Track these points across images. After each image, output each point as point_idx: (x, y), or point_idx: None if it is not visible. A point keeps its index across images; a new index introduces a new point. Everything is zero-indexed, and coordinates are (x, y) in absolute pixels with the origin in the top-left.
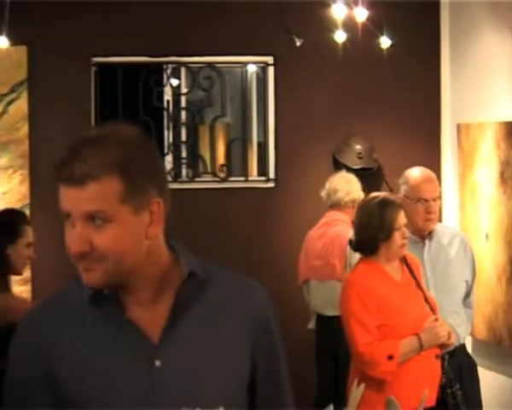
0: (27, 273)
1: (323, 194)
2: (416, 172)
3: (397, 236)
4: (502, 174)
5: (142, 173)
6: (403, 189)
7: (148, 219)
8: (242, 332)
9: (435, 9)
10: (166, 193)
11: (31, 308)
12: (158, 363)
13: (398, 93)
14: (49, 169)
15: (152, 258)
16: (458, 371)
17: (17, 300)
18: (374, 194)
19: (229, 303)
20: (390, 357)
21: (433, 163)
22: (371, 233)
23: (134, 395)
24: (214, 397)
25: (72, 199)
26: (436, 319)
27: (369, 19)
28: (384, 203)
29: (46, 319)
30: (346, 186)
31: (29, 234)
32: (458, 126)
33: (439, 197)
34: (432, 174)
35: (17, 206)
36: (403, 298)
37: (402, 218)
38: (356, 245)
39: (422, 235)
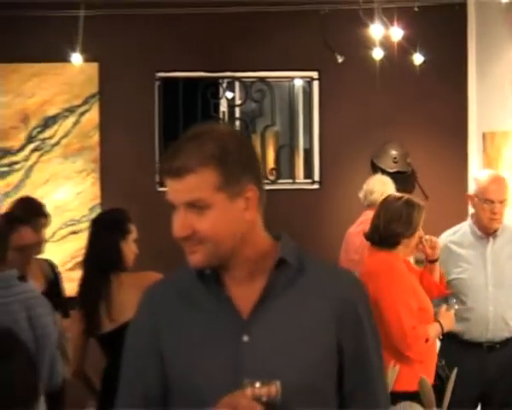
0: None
1: (361, 195)
2: (484, 175)
3: (417, 235)
4: None
5: (237, 164)
6: (472, 188)
7: (243, 204)
8: (329, 315)
9: (462, 27)
10: (261, 181)
11: (147, 288)
12: (246, 338)
13: (429, 105)
14: (116, 172)
15: (248, 241)
16: (506, 363)
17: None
18: (396, 194)
19: (318, 288)
20: (427, 340)
21: (461, 168)
22: (398, 229)
23: (222, 366)
24: (296, 375)
25: (173, 190)
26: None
27: (403, 38)
28: (411, 204)
29: (159, 296)
30: (382, 188)
31: (134, 230)
32: (484, 135)
33: (506, 200)
34: (500, 177)
35: (89, 205)
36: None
37: (422, 220)
38: (379, 238)
39: (487, 232)
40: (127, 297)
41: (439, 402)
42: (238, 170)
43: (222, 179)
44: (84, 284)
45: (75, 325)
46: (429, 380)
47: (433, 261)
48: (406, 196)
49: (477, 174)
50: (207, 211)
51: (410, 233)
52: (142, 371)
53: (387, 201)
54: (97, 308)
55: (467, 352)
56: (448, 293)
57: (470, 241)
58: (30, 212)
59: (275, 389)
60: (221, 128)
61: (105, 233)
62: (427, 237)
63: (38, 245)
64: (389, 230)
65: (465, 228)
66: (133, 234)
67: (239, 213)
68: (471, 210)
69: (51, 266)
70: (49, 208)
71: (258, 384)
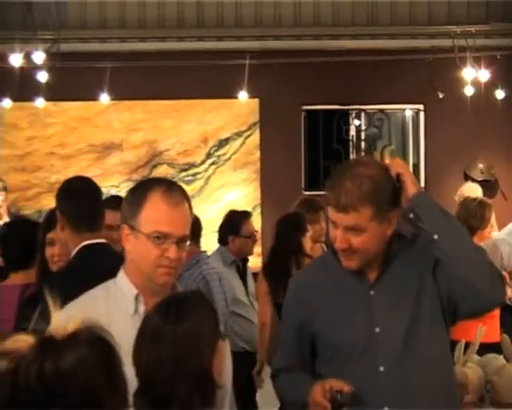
0: (258, 249)
1: (456, 197)
2: None
3: (489, 228)
4: None
5: (387, 198)
6: None
7: (387, 226)
8: (427, 270)
9: None
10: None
11: (298, 272)
12: (372, 292)
13: (508, 129)
14: (272, 181)
15: (381, 247)
16: None
17: None
18: (472, 196)
19: (418, 253)
20: None
21: None
22: (474, 224)
23: (359, 320)
24: (409, 312)
25: (338, 218)
26: None
27: (489, 78)
28: (484, 204)
29: (307, 276)
30: (472, 192)
31: (310, 229)
32: None
33: None
34: None
35: (252, 205)
36: None
37: (492, 215)
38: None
39: None
40: None
41: None
42: (387, 203)
43: (375, 213)
44: (273, 264)
45: (262, 289)
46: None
47: None
48: (480, 197)
49: None
50: (362, 233)
51: (484, 226)
52: (302, 339)
53: (465, 202)
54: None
55: None
56: None
57: None
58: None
59: (348, 389)
60: (373, 166)
61: (290, 231)
62: None
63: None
64: (467, 223)
65: None
66: (310, 231)
67: (384, 232)
68: None
69: None
70: (222, 207)
71: (333, 387)
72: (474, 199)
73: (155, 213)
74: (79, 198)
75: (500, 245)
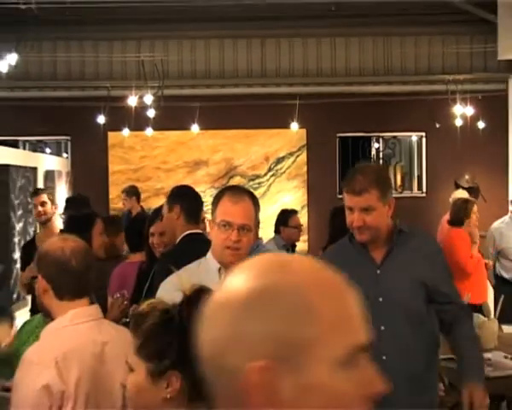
0: (305, 237)
1: (450, 200)
2: None
3: (474, 217)
4: None
5: (386, 187)
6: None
7: (388, 209)
8: (427, 261)
9: (506, 107)
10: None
11: (328, 249)
12: (378, 271)
13: (487, 151)
14: (316, 187)
15: (385, 226)
16: None
17: None
18: (460, 197)
19: (421, 246)
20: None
21: (503, 187)
22: (461, 215)
23: (368, 290)
24: (407, 289)
25: (353, 202)
26: None
27: (473, 113)
28: (468, 201)
29: (332, 254)
30: (461, 196)
31: None
32: None
33: None
34: None
35: (301, 205)
36: None
37: (475, 209)
38: (456, 221)
39: None
40: None
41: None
42: (386, 190)
43: (380, 195)
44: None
45: None
46: (485, 293)
47: None
48: (465, 197)
49: None
50: (373, 211)
51: (468, 216)
52: None
53: (455, 202)
54: None
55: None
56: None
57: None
58: None
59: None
60: (376, 166)
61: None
62: None
63: None
64: (457, 216)
65: (507, 219)
66: None
67: (387, 213)
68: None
69: None
70: (279, 207)
71: None
72: (460, 199)
73: (222, 208)
74: (192, 198)
75: (494, 232)
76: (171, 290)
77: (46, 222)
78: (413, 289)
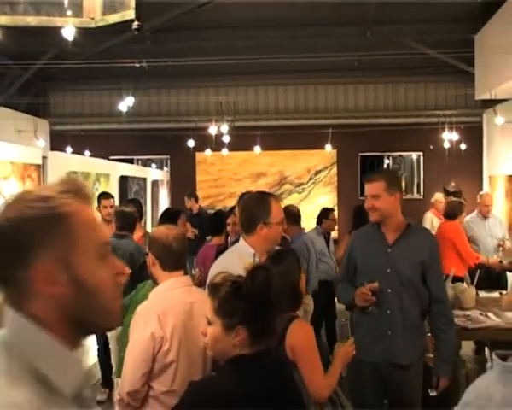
0: (336, 227)
1: (432, 200)
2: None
3: (464, 214)
4: None
5: (392, 181)
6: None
7: (393, 200)
8: (425, 249)
9: (480, 133)
10: (402, 192)
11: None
12: (389, 250)
13: (468, 165)
14: (342, 193)
15: (395, 215)
16: None
17: None
18: (454, 199)
19: (423, 237)
20: None
21: (476, 190)
22: (455, 212)
23: (380, 262)
24: (409, 265)
25: (367, 188)
26: None
27: (458, 138)
28: (461, 203)
29: (359, 233)
30: (441, 197)
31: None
32: (490, 177)
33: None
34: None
35: (331, 205)
36: None
37: (464, 209)
38: (452, 215)
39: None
40: None
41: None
42: (394, 186)
43: (387, 187)
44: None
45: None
46: (465, 267)
47: None
48: (459, 200)
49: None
50: (380, 198)
51: (461, 213)
52: (350, 264)
53: (451, 201)
54: None
55: None
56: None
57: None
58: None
59: (377, 285)
60: (386, 171)
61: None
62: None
63: None
64: (452, 212)
65: (474, 215)
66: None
67: (392, 203)
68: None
69: None
70: (317, 206)
71: (366, 284)
72: (455, 200)
73: (277, 210)
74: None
75: (465, 224)
76: (227, 267)
77: (110, 220)
78: (413, 266)
